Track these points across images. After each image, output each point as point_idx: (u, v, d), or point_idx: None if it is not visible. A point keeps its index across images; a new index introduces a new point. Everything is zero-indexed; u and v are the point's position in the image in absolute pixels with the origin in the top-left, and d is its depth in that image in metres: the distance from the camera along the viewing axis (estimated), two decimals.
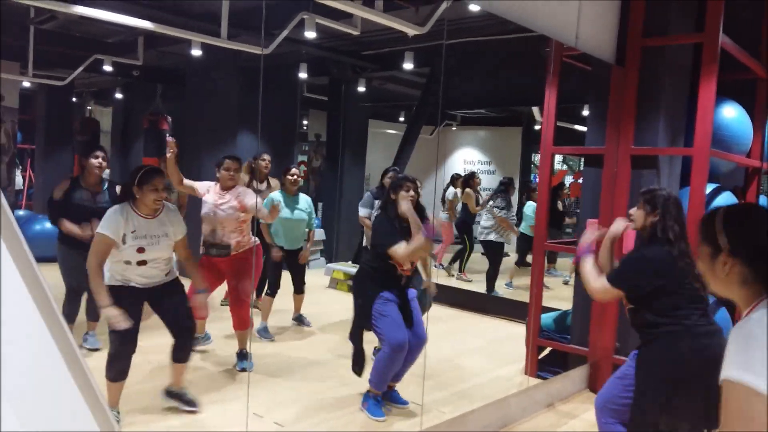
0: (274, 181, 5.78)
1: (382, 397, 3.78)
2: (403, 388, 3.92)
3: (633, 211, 2.83)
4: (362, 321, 3.68)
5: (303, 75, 8.14)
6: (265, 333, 5.19)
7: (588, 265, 2.80)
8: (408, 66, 6.97)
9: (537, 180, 11.66)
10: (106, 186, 4.41)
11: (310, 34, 5.48)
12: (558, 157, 14.20)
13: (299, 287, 5.47)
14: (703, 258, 1.44)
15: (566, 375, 4.34)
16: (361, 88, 8.72)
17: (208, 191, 4.32)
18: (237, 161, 4.37)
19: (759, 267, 1.33)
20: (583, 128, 9.55)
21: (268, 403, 3.77)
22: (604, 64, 4.18)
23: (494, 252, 7.41)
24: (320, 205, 10.21)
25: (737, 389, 1.19)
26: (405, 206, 3.57)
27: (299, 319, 5.70)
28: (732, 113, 4.44)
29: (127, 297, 3.25)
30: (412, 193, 3.65)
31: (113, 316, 3.04)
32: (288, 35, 5.72)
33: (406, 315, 3.68)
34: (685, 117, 4.35)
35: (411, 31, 4.59)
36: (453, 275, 8.37)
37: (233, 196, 4.28)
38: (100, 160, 4.33)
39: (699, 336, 2.55)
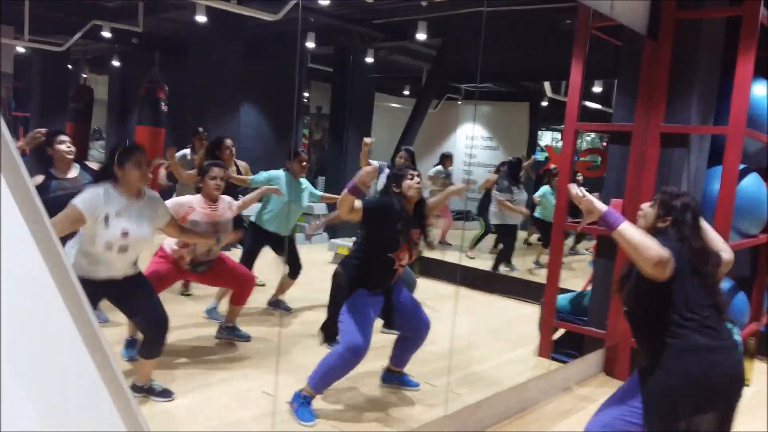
0: (242, 164, 5.49)
1: (392, 381, 3.68)
2: (412, 369, 3.81)
3: (645, 206, 2.54)
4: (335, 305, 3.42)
5: (310, 44, 7.89)
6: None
7: (632, 229, 2.26)
8: (421, 36, 6.74)
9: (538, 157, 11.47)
10: (79, 171, 4.05)
11: (323, 1, 5.25)
12: (555, 136, 14.04)
13: (296, 271, 5.08)
14: None
15: (584, 359, 4.24)
16: (369, 59, 8.47)
17: (192, 209, 3.87)
18: (223, 168, 4.03)
19: None
20: (594, 105, 9.39)
21: (272, 383, 3.62)
22: (637, 37, 3.99)
23: (503, 234, 7.31)
24: (323, 179, 10.03)
25: None
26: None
27: (276, 304, 5.20)
28: (762, 91, 4.27)
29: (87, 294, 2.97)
30: (417, 180, 3.37)
31: None
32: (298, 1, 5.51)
33: (388, 313, 3.47)
34: (715, 94, 4.20)
35: None
36: (473, 257, 8.17)
37: (225, 206, 4.03)
38: (67, 144, 3.92)
39: (710, 352, 2.28)
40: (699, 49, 3.95)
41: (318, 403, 3.40)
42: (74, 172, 3.99)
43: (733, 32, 4.06)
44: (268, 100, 9.41)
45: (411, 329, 3.55)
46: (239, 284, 4.14)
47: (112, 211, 2.92)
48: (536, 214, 7.73)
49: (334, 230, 8.81)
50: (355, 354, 3.18)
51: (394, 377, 3.75)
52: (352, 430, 3.22)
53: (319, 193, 5.26)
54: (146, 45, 8.99)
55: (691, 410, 2.28)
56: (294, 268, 5.09)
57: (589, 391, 4.06)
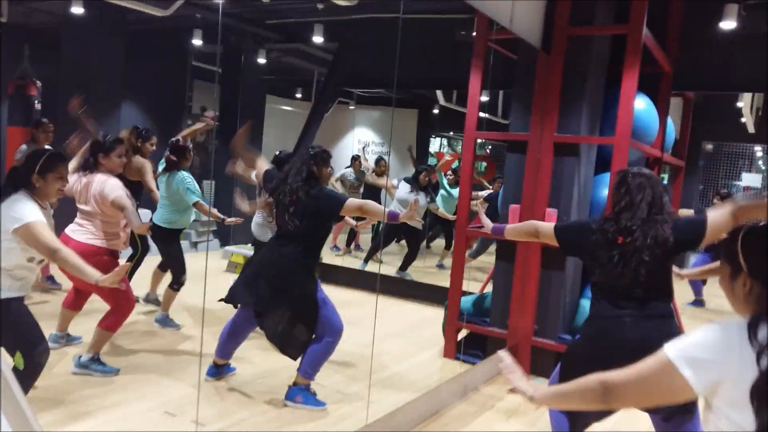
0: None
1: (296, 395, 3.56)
2: (323, 377, 3.77)
3: None
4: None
5: (198, 42, 7.55)
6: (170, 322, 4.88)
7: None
8: (317, 39, 6.67)
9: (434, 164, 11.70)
10: None
11: None
12: (444, 141, 14.49)
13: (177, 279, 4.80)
14: (724, 277, 1.42)
15: (489, 359, 4.39)
16: (261, 60, 8.25)
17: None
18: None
19: None
20: (483, 114, 9.76)
21: (178, 401, 3.45)
22: (532, 51, 4.19)
23: (406, 236, 7.47)
24: (212, 183, 9.64)
25: (668, 367, 1.30)
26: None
27: (164, 321, 4.86)
28: (642, 105, 4.64)
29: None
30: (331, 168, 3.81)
31: (108, 278, 2.57)
32: None
33: None
34: (601, 106, 4.50)
35: (343, 2, 4.33)
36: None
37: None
38: None
39: (598, 319, 2.52)
40: (589, 64, 4.23)
41: (218, 424, 3.24)
42: None
43: (616, 50, 4.40)
44: (151, 99, 8.91)
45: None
46: (120, 303, 3.75)
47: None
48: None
49: (226, 236, 8.50)
50: (340, 336, 3.56)
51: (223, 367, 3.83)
52: None
53: (196, 194, 4.67)
54: (12, 37, 8.15)
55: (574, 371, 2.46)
56: (175, 273, 4.79)
57: (495, 389, 4.21)
